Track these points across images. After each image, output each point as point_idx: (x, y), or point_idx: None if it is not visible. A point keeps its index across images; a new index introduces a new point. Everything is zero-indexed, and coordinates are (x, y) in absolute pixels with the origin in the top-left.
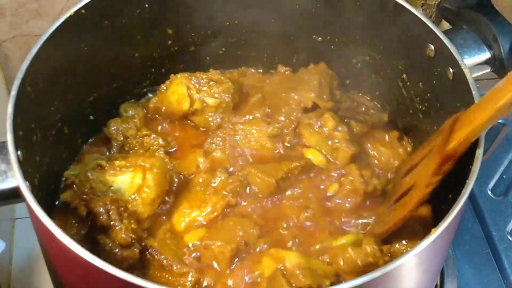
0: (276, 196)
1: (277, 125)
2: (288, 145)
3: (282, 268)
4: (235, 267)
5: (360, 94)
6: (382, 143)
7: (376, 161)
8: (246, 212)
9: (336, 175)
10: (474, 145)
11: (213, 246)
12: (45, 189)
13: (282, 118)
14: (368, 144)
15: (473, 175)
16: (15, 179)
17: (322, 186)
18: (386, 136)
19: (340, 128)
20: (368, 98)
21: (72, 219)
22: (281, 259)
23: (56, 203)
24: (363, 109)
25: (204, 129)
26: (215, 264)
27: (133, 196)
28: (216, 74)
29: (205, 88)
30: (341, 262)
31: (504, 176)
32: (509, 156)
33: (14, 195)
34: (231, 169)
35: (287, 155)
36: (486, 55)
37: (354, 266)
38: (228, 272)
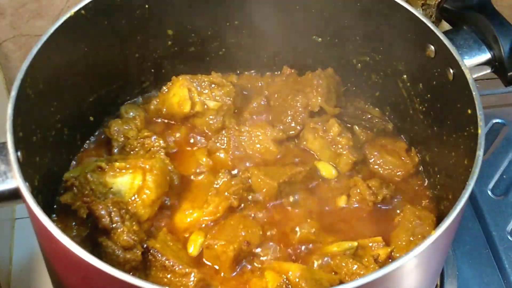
0: (279, 201)
1: (281, 127)
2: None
3: (286, 281)
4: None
5: (364, 103)
6: (389, 152)
7: (380, 170)
8: (248, 214)
9: (340, 185)
10: (474, 146)
11: (216, 246)
12: (45, 190)
13: (289, 120)
14: (375, 152)
15: (474, 176)
16: (15, 180)
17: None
18: (393, 145)
19: (344, 134)
20: (372, 106)
21: (73, 220)
22: (284, 272)
23: (55, 206)
24: (369, 116)
25: (205, 132)
26: (217, 265)
27: (133, 198)
28: (217, 77)
29: (206, 91)
30: (343, 273)
31: (504, 176)
32: (509, 156)
33: (14, 196)
34: (234, 171)
35: (292, 160)
36: (486, 55)
37: (357, 277)
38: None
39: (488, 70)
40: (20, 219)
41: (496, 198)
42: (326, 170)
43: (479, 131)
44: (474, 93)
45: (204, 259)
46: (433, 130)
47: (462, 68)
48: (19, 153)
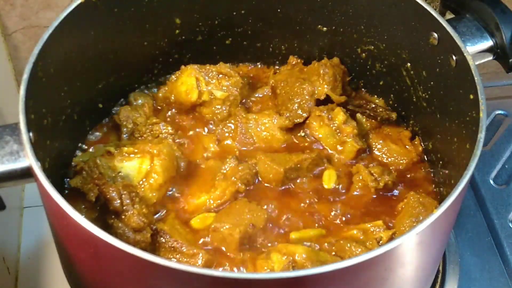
0: (284, 187)
1: (287, 114)
2: (302, 135)
3: (292, 262)
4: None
5: (369, 92)
6: (393, 141)
7: (385, 158)
8: (254, 199)
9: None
10: (476, 130)
11: (222, 229)
12: (54, 174)
13: (295, 107)
14: (380, 141)
15: (475, 158)
16: (27, 159)
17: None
18: (397, 134)
19: (348, 123)
20: (376, 96)
21: (81, 204)
22: (290, 253)
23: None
24: (373, 106)
25: (212, 120)
26: (224, 247)
27: (141, 182)
28: (225, 68)
29: (213, 81)
30: (347, 256)
31: (506, 166)
32: (511, 147)
33: (26, 174)
34: (241, 157)
35: (298, 147)
36: (488, 42)
37: None
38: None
39: (490, 57)
40: (28, 208)
41: (498, 187)
42: (327, 179)
43: (481, 114)
44: (476, 78)
45: (211, 242)
46: (436, 117)
47: (465, 54)
48: (31, 134)
